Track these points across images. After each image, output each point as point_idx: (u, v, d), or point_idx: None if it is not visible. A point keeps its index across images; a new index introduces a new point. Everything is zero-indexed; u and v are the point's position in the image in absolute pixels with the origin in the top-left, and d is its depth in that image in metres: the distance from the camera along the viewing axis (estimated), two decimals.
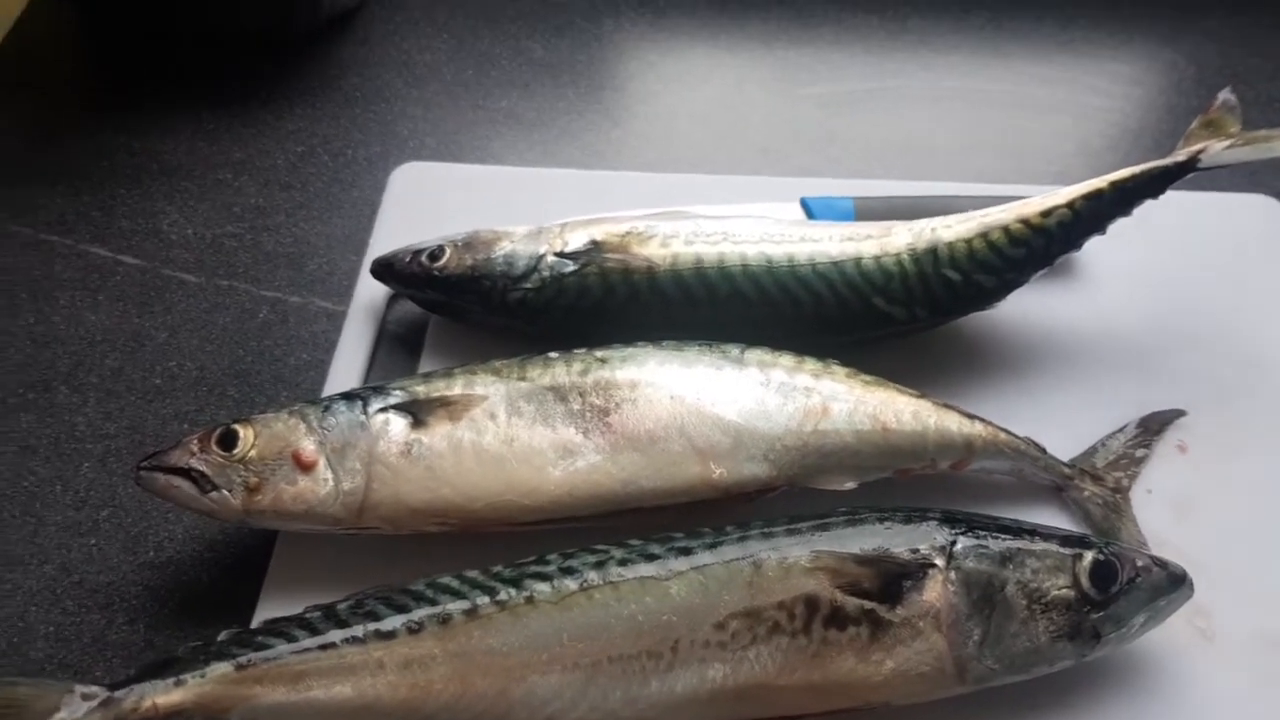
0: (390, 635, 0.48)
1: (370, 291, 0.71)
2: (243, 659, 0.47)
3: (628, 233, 0.65)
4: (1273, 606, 0.58)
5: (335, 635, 0.48)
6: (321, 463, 0.56)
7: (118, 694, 0.47)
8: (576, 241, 0.65)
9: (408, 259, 0.67)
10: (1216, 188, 0.81)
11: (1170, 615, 0.54)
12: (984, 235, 0.64)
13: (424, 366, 0.68)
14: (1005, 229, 0.64)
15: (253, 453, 0.56)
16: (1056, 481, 0.62)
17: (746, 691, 0.49)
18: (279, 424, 0.57)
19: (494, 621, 0.49)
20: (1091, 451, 0.63)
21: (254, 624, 0.56)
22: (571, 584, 0.50)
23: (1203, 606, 0.58)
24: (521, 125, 0.86)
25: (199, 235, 0.78)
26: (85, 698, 0.47)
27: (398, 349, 0.70)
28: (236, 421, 0.58)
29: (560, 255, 0.65)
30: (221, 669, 0.47)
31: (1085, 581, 0.52)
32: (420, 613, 0.49)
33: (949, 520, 0.54)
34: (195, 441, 0.57)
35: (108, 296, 0.74)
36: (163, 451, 0.57)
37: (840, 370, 0.60)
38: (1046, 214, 0.63)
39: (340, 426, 0.57)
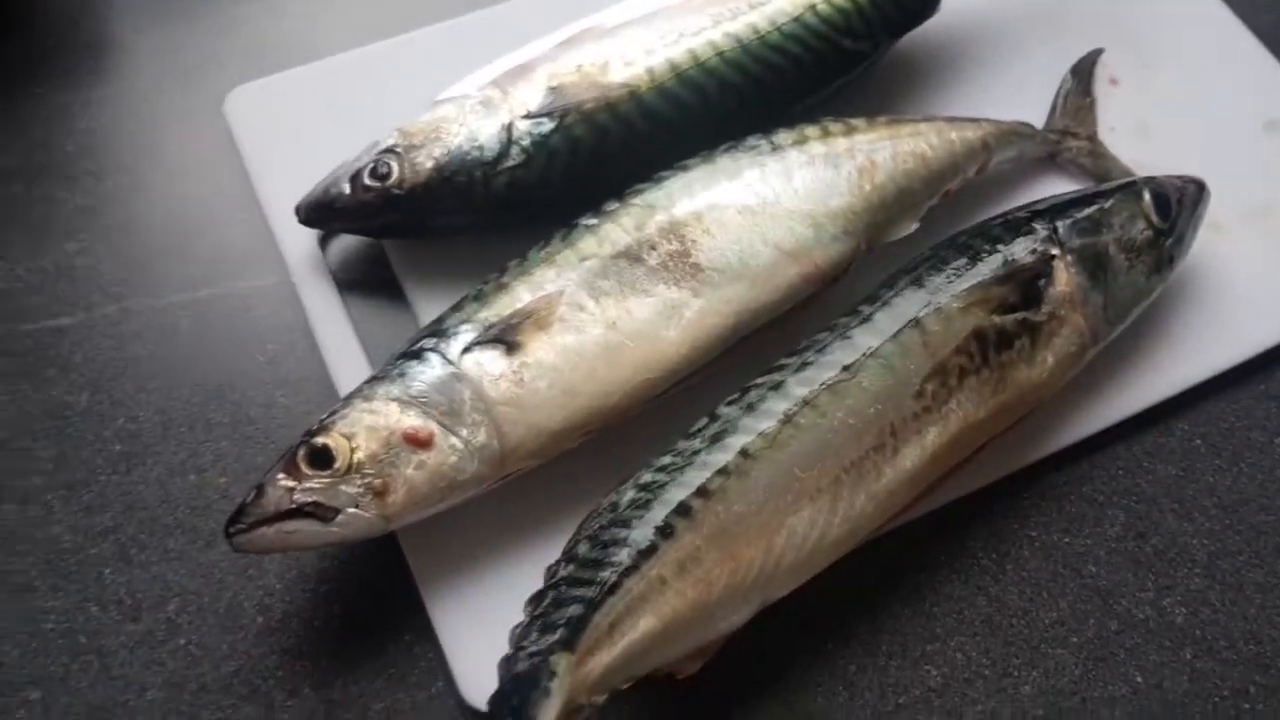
0: (652, 550, 0.45)
1: (297, 246, 0.61)
2: (570, 640, 0.42)
3: (579, 67, 0.59)
4: (1254, 185, 0.65)
5: (608, 575, 0.44)
6: (438, 431, 0.49)
7: None
8: (534, 97, 0.58)
9: (347, 190, 0.58)
10: None
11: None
12: None
13: (414, 296, 0.60)
14: None
15: (359, 455, 0.48)
16: (1050, 150, 0.66)
17: (958, 439, 0.51)
18: (366, 415, 0.49)
19: (729, 492, 0.47)
20: (1052, 114, 0.68)
21: (437, 633, 0.50)
22: (770, 423, 0.49)
23: None
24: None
25: (35, 271, 0.62)
26: None
27: (364, 293, 0.61)
28: (311, 435, 0.49)
29: (529, 117, 0.58)
30: (564, 661, 0.42)
31: (1154, 217, 0.57)
32: (661, 515, 0.46)
33: (1035, 214, 0.56)
34: (281, 476, 0.48)
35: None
36: (248, 506, 0.48)
37: (858, 121, 0.59)
38: None
39: (434, 387, 0.50)
